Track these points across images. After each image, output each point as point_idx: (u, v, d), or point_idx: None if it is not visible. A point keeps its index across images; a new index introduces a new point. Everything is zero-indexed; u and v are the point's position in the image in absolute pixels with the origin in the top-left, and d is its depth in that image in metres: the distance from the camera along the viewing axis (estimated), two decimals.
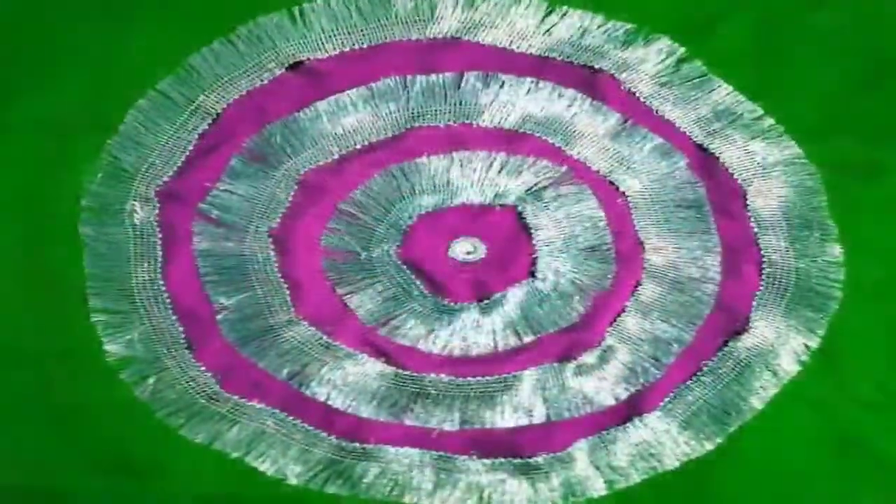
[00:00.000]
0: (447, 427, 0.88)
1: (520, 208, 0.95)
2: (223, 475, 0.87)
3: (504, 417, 0.89)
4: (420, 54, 0.98)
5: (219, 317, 0.90)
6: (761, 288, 0.93)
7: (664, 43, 1.00)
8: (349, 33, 0.98)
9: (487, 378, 0.90)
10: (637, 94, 0.98)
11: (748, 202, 0.95)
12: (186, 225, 0.92)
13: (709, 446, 0.89)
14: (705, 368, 0.91)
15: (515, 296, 0.92)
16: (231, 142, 0.94)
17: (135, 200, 0.92)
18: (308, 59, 0.97)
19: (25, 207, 0.93)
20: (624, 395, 0.90)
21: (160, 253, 0.91)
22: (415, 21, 0.98)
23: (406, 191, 0.94)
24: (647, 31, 1.00)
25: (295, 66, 0.97)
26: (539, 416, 0.89)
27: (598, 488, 0.87)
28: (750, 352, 0.91)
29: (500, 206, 0.95)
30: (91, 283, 0.90)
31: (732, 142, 0.97)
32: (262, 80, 0.96)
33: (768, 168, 0.96)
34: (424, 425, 0.88)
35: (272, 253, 0.92)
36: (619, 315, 0.92)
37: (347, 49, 0.97)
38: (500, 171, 0.95)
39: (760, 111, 0.98)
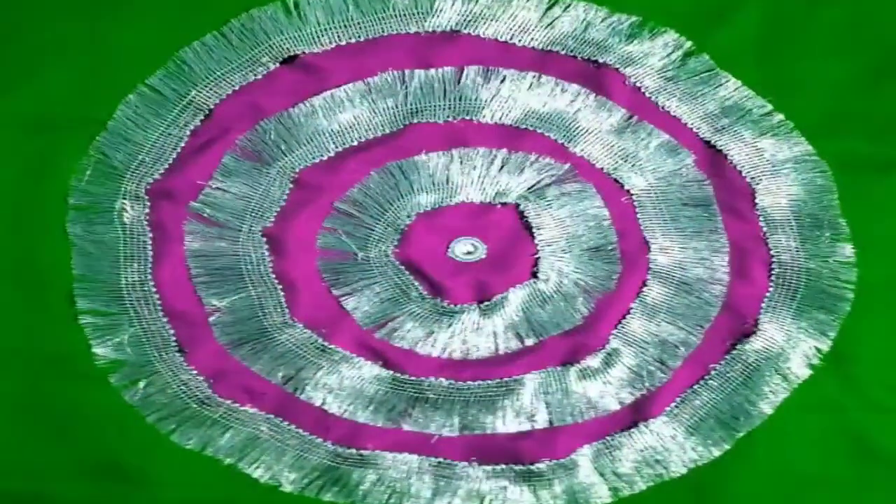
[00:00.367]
0: (446, 432, 0.88)
1: (521, 207, 0.94)
2: (215, 482, 0.87)
3: (505, 423, 0.88)
4: (418, 48, 0.97)
5: (211, 319, 0.90)
6: (771, 289, 0.93)
7: (670, 36, 0.98)
8: (345, 26, 0.97)
9: (488, 382, 0.90)
10: (642, 89, 0.97)
11: (757, 201, 0.95)
12: (178, 224, 0.91)
13: (717, 452, 0.89)
14: (713, 372, 0.91)
15: (517, 297, 0.92)
16: (224, 138, 0.93)
17: (124, 199, 0.92)
18: (303, 53, 0.96)
19: (11, 206, 0.92)
20: (629, 400, 0.90)
21: (150, 253, 0.91)
22: (413, 14, 0.97)
23: (404, 189, 0.94)
24: (653, 25, 0.98)
25: (289, 61, 0.96)
26: (541, 422, 0.89)
27: (603, 496, 0.87)
28: (759, 355, 0.91)
29: (502, 204, 0.94)
30: (79, 284, 0.90)
31: (741, 138, 0.96)
32: (255, 75, 0.95)
33: (778, 165, 0.96)
34: (423, 431, 0.88)
35: (266, 253, 0.91)
36: (624, 317, 0.92)
37: (344, 43, 0.96)
38: (501, 169, 0.95)
39: (770, 107, 0.97)
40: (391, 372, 0.90)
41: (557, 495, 0.87)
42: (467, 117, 0.96)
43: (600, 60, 0.98)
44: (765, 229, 0.94)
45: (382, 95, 0.96)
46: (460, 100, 0.96)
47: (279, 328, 0.90)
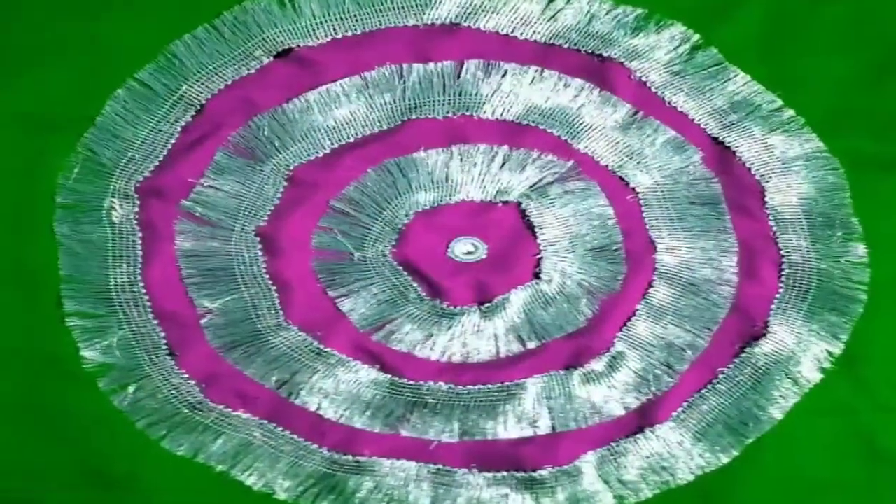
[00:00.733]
0: (446, 438, 0.88)
1: (523, 205, 0.94)
2: (207, 489, 0.86)
3: (507, 428, 0.88)
4: (417, 41, 0.97)
5: (203, 321, 0.90)
6: (781, 290, 0.93)
7: (677, 29, 0.99)
8: (341, 19, 0.97)
9: (489, 386, 0.89)
10: (648, 84, 0.97)
11: (767, 199, 0.95)
12: (168, 223, 0.91)
13: (725, 459, 0.88)
14: (721, 376, 0.90)
15: (519, 299, 0.91)
16: (216, 135, 0.93)
17: (113, 197, 0.91)
18: (298, 46, 0.96)
19: (0, 206, 0.92)
20: (634, 405, 0.90)
21: (140, 253, 0.90)
22: (411, 6, 0.97)
23: (402, 187, 0.94)
24: (659, 17, 0.99)
25: (284, 55, 0.96)
26: (544, 427, 0.88)
27: (607, 503, 0.87)
28: (769, 358, 0.91)
29: (503, 203, 0.94)
30: (66, 285, 0.89)
31: (750, 135, 0.96)
32: (248, 69, 0.95)
33: (788, 162, 0.96)
34: (422, 437, 0.88)
35: (259, 253, 0.91)
36: (629, 319, 0.92)
37: (340, 36, 0.96)
38: (502, 166, 0.95)
39: (780, 102, 0.97)
40: (389, 376, 0.89)
41: (560, 503, 0.86)
42: (467, 113, 0.96)
43: (605, 54, 0.98)
44: (775, 228, 0.94)
45: (380, 90, 0.96)
46: (460, 95, 0.96)
47: (273, 331, 0.90)
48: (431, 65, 0.96)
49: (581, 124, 0.96)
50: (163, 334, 0.89)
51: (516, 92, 0.96)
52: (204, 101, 0.94)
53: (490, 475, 0.87)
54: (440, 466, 0.87)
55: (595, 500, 0.87)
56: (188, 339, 0.89)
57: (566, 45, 0.98)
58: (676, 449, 0.88)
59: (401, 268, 0.92)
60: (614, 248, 0.93)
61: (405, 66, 0.96)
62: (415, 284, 0.92)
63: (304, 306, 0.90)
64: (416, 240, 0.93)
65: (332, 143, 0.94)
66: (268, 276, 0.91)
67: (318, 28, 0.96)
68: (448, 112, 0.96)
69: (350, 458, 0.87)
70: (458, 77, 0.96)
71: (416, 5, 0.97)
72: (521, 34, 0.98)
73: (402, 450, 0.87)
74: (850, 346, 0.91)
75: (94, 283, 0.90)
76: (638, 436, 0.88)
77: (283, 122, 0.94)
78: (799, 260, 0.93)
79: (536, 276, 0.92)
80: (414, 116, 0.95)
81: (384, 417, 0.88)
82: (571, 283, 0.92)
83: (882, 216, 0.95)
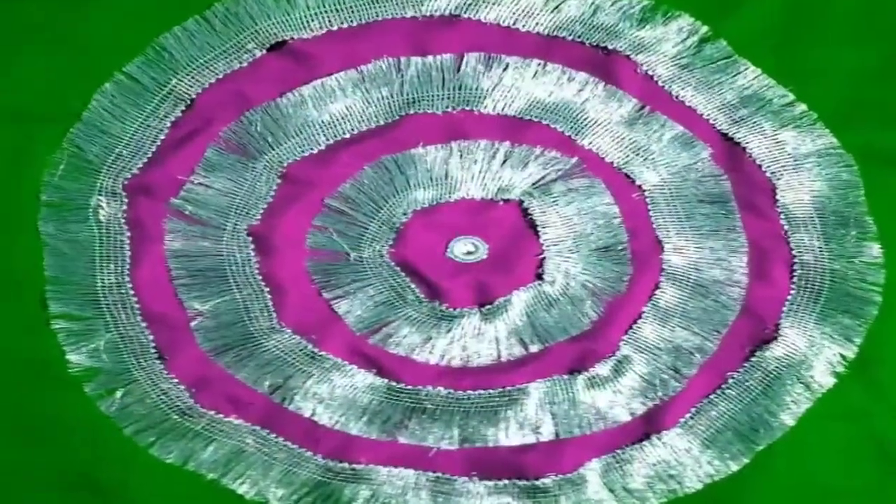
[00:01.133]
0: (445, 445, 0.88)
1: (525, 204, 0.94)
2: (198, 498, 0.86)
3: (508, 435, 0.88)
4: (415, 33, 0.97)
5: (193, 324, 0.89)
6: (792, 292, 0.93)
7: (685, 21, 0.99)
8: (337, 10, 0.96)
9: (490, 391, 0.89)
10: (655, 78, 0.97)
11: (778, 197, 0.95)
12: (157, 222, 0.91)
13: (734, 466, 0.88)
14: (731, 381, 0.91)
15: (521, 300, 0.91)
16: (206, 130, 0.93)
17: (100, 195, 0.91)
18: (291, 38, 0.96)
19: None
20: (641, 411, 0.90)
21: (128, 253, 0.90)
22: None
23: (400, 185, 0.93)
24: (666, 9, 0.99)
25: (277, 47, 0.96)
26: (547, 434, 0.88)
27: None
28: (780, 362, 0.91)
29: (504, 201, 0.94)
30: (52, 286, 0.89)
31: (760, 130, 0.96)
32: (240, 63, 0.95)
33: (800, 159, 0.96)
34: (420, 443, 0.88)
35: (252, 253, 0.91)
36: (635, 322, 0.92)
37: (335, 28, 0.96)
38: (503, 163, 0.94)
39: (791, 97, 0.97)
40: (386, 380, 0.89)
41: None
42: (467, 108, 0.96)
43: (610, 47, 0.98)
44: (786, 228, 0.94)
45: (377, 84, 0.95)
46: (460, 89, 0.96)
47: (266, 333, 0.89)
48: (430, 58, 0.96)
49: (585, 119, 0.96)
50: (151, 337, 0.89)
51: (518, 86, 0.96)
52: (194, 96, 0.94)
53: (491, 483, 0.87)
54: (439, 474, 0.87)
55: None
56: (178, 343, 0.89)
57: (570, 38, 0.98)
58: (684, 456, 0.88)
59: (398, 268, 0.92)
60: (620, 247, 0.93)
61: (403, 59, 0.96)
62: (413, 286, 0.92)
63: (299, 308, 0.90)
64: (414, 239, 0.92)
65: (328, 139, 0.94)
66: (260, 277, 0.90)
67: (312, 20, 0.96)
68: (447, 107, 0.95)
69: (346, 465, 0.87)
70: (458, 70, 0.96)
71: None
72: (524, 26, 0.98)
73: (400, 457, 0.87)
74: (865, 349, 0.91)
75: (81, 285, 0.89)
76: (644, 443, 0.88)
77: (276, 118, 0.94)
78: (811, 260, 0.93)
79: (539, 276, 0.92)
80: (412, 111, 0.95)
81: (381, 424, 0.88)
82: (575, 284, 0.92)
83: None
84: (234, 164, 0.93)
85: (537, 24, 0.98)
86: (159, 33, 0.95)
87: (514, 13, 0.97)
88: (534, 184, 0.94)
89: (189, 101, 0.94)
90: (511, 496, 0.86)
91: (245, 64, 0.95)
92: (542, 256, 0.92)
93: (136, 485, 0.86)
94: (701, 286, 0.92)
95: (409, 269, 0.92)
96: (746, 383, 0.90)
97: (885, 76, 0.98)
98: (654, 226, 0.94)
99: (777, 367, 0.90)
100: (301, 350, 0.89)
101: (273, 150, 0.93)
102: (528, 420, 0.88)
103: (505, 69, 0.96)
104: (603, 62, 0.97)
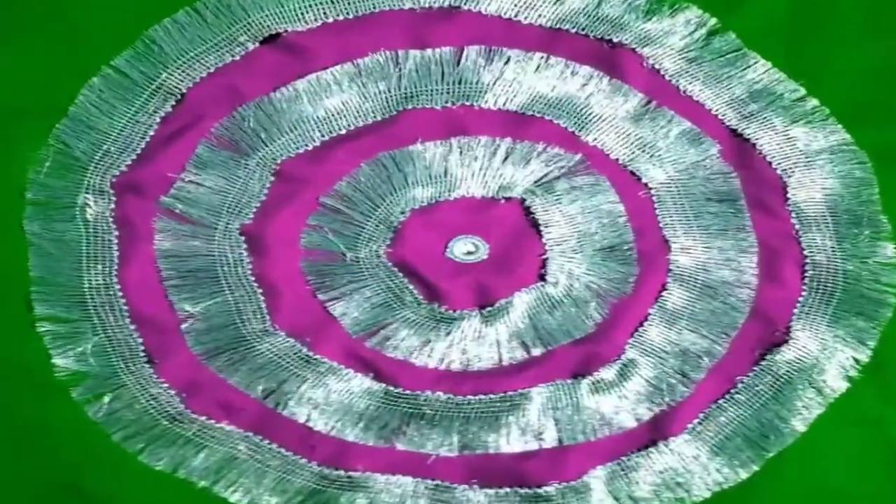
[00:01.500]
0: (445, 452, 0.88)
1: (528, 202, 0.94)
2: None
3: (510, 441, 0.88)
4: (414, 26, 0.96)
5: (183, 326, 0.89)
6: (804, 293, 0.93)
7: (693, 13, 0.98)
8: (332, 2, 0.96)
9: (491, 396, 0.89)
10: (662, 72, 0.97)
11: (789, 195, 0.95)
12: (146, 221, 0.91)
13: (744, 474, 0.89)
14: (740, 385, 0.91)
15: (523, 302, 0.91)
16: (197, 126, 0.93)
17: (87, 193, 0.91)
18: (285, 31, 0.95)
19: None
20: (647, 416, 0.90)
21: (116, 253, 0.90)
22: None
23: (397, 182, 0.93)
24: (673, 0, 0.98)
25: (270, 40, 0.96)
26: (550, 440, 0.88)
27: None
28: (791, 366, 0.91)
29: (505, 199, 0.94)
30: (37, 287, 0.89)
31: (771, 126, 0.96)
32: (232, 56, 0.95)
33: (812, 156, 0.96)
34: (419, 450, 0.88)
35: (244, 253, 0.91)
36: (641, 324, 0.92)
37: (331, 20, 0.96)
38: (504, 160, 0.94)
39: (803, 91, 0.97)
40: (383, 385, 0.89)
41: None
42: (467, 103, 0.96)
43: (615, 39, 0.98)
44: (797, 227, 0.94)
45: (373, 78, 0.95)
46: (460, 83, 0.95)
47: (259, 336, 0.89)
48: (429, 51, 0.96)
49: (590, 115, 0.96)
50: (140, 340, 0.89)
51: (520, 80, 0.96)
52: (185, 90, 0.94)
53: (492, 491, 0.87)
54: (438, 482, 0.87)
55: None
56: (168, 346, 0.89)
57: (573, 30, 0.97)
58: (692, 463, 0.88)
59: (396, 269, 0.92)
60: (625, 247, 0.93)
61: (401, 52, 0.96)
62: (411, 287, 0.91)
63: (293, 310, 0.90)
64: (412, 239, 0.92)
65: (323, 136, 0.94)
66: (253, 278, 0.90)
67: (307, 11, 0.96)
68: (447, 102, 0.95)
69: (342, 473, 0.87)
70: (458, 64, 0.96)
71: None
72: (526, 18, 0.97)
73: (398, 464, 0.87)
74: (879, 353, 0.91)
75: (67, 286, 0.89)
76: (651, 449, 0.88)
77: (269, 113, 0.94)
78: (823, 261, 0.93)
79: (542, 277, 0.92)
80: (410, 106, 0.95)
81: (378, 430, 0.88)
82: (579, 285, 0.92)
83: None
84: (226, 161, 0.92)
85: (540, 15, 0.97)
86: (149, 25, 0.95)
87: (515, 4, 0.97)
88: (536, 181, 0.94)
89: (179, 96, 0.94)
90: None
91: (237, 57, 0.95)
92: (544, 257, 0.92)
93: (124, 493, 0.86)
94: (709, 287, 0.92)
95: (407, 269, 0.91)
96: (756, 388, 0.90)
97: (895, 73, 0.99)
98: (661, 225, 0.94)
99: (788, 372, 0.90)
100: (295, 353, 0.89)
101: (266, 146, 0.93)
102: (530, 426, 0.88)
103: (506, 63, 0.96)
104: (608, 55, 0.97)
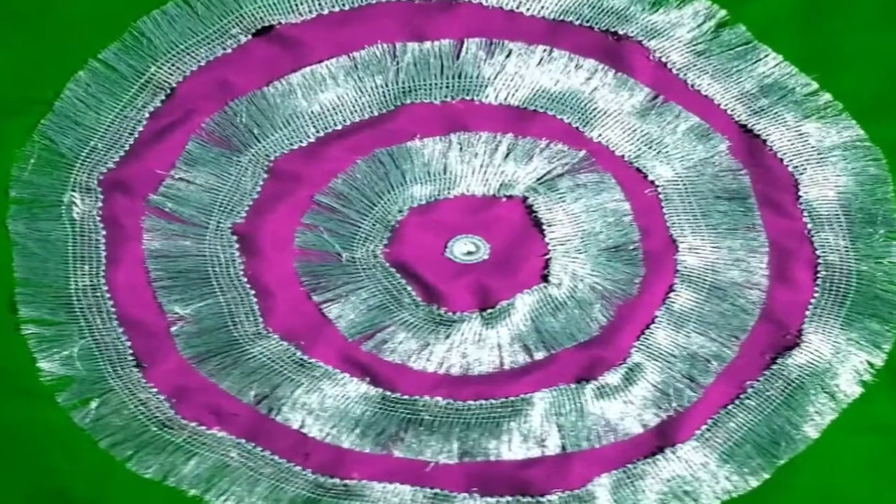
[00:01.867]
0: (444, 459, 0.88)
1: (530, 200, 0.93)
2: None
3: (511, 448, 0.88)
4: (411, 18, 0.96)
5: (173, 329, 0.89)
6: (816, 295, 0.92)
7: (701, 4, 0.98)
8: None
9: (492, 402, 0.89)
10: (669, 65, 0.97)
11: (801, 193, 0.94)
12: (135, 220, 0.91)
13: (754, 482, 0.88)
14: (750, 390, 0.90)
15: (525, 304, 0.91)
16: (188, 122, 0.93)
17: (73, 191, 0.91)
18: (279, 23, 0.95)
19: None
20: (653, 422, 0.89)
21: (104, 253, 0.90)
22: None
23: (395, 180, 0.93)
24: None
25: (263, 32, 0.95)
26: (553, 447, 0.88)
27: None
28: (802, 370, 0.90)
29: (507, 197, 0.94)
30: (22, 289, 0.89)
31: (782, 121, 0.96)
32: (224, 49, 0.94)
33: (824, 153, 0.95)
34: (417, 457, 0.88)
35: (237, 253, 0.91)
36: (647, 327, 0.92)
37: (326, 11, 0.95)
38: (506, 157, 0.94)
39: (815, 85, 0.96)
40: (380, 390, 0.89)
41: None
42: (468, 97, 0.95)
43: (621, 32, 0.97)
44: (809, 226, 0.94)
45: (370, 72, 0.95)
46: (459, 77, 0.95)
47: (251, 340, 0.89)
48: (427, 44, 0.95)
49: (594, 110, 0.95)
50: (129, 343, 0.88)
51: (522, 74, 0.95)
52: (175, 85, 0.94)
53: (493, 500, 0.87)
54: (437, 491, 0.87)
55: None
56: (157, 349, 0.88)
57: (578, 22, 0.97)
58: (700, 471, 0.88)
59: (394, 270, 0.91)
60: (631, 247, 0.93)
61: (398, 45, 0.95)
62: (409, 288, 0.91)
63: (287, 312, 0.90)
64: (410, 239, 0.92)
65: (318, 131, 0.94)
66: (246, 279, 0.90)
67: (301, 3, 0.95)
68: (446, 96, 0.95)
69: (337, 481, 0.87)
70: (458, 57, 0.95)
71: None
72: (528, 9, 0.97)
73: (396, 472, 0.87)
74: (893, 356, 0.91)
75: (53, 287, 0.89)
76: (657, 456, 0.88)
77: (262, 108, 0.93)
78: (836, 261, 0.93)
79: (544, 278, 0.92)
80: (408, 101, 0.94)
81: (375, 436, 0.88)
82: (583, 286, 0.91)
83: None
84: (218, 158, 0.92)
85: (542, 7, 0.97)
86: (137, 17, 0.94)
87: None
88: (539, 179, 0.93)
89: (169, 91, 0.93)
90: None
91: (229, 50, 0.94)
92: (547, 257, 0.92)
93: (112, 501, 0.86)
94: (718, 289, 0.92)
95: (405, 270, 0.91)
96: (767, 393, 0.90)
97: None
98: (668, 224, 0.93)
99: (800, 376, 0.90)
100: (289, 357, 0.89)
101: (259, 142, 0.92)
102: (532, 432, 0.88)
103: (508, 56, 0.95)
104: (613, 48, 0.96)
